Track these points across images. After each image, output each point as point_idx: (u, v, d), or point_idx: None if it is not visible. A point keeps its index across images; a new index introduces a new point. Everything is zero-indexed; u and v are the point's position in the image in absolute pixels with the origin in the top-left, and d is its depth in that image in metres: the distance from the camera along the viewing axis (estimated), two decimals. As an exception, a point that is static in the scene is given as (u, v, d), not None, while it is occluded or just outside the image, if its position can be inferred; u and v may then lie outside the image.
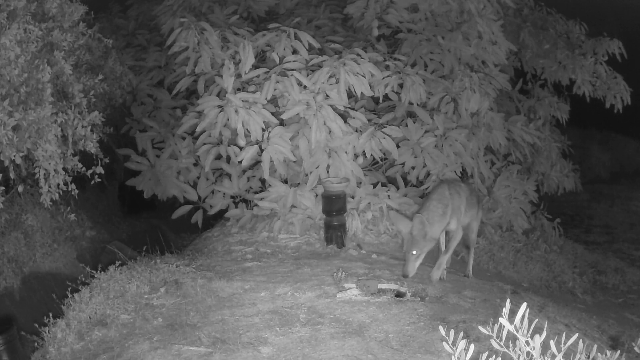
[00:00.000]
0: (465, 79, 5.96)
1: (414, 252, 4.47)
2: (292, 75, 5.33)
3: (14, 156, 4.05)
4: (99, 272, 4.63)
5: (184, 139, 5.86)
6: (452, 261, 5.75)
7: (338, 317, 3.88)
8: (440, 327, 2.22)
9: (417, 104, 5.88)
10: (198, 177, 5.91)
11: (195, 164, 5.90)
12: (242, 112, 5.28)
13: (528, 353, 2.09)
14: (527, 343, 2.08)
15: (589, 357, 2.21)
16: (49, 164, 4.25)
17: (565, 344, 2.11)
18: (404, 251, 4.54)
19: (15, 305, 5.10)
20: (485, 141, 6.28)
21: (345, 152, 5.63)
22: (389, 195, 5.73)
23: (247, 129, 5.36)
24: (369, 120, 5.78)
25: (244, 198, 5.91)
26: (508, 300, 2.21)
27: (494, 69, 6.50)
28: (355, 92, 5.44)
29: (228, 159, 5.71)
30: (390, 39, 6.55)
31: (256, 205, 5.72)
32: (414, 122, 5.96)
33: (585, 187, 8.83)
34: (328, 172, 5.61)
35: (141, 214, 7.64)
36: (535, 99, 7.80)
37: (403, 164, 5.97)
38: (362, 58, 5.49)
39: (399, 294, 4.24)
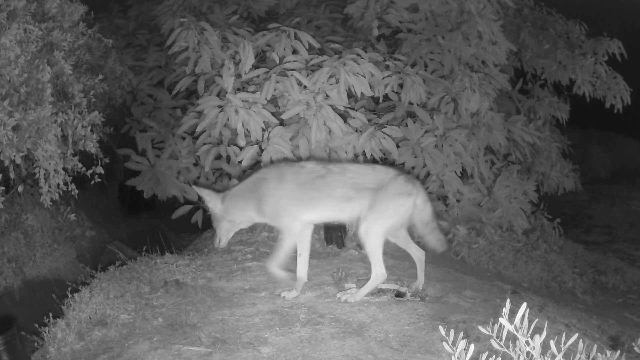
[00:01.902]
0: (465, 79, 5.96)
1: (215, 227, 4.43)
2: (292, 75, 5.33)
3: (14, 156, 4.05)
4: (99, 272, 4.64)
5: (184, 139, 5.86)
6: (452, 260, 5.76)
7: (338, 317, 3.89)
8: (440, 327, 2.22)
9: (417, 104, 5.87)
10: (198, 177, 5.91)
11: (195, 164, 5.90)
12: (242, 112, 5.28)
13: (528, 353, 2.09)
14: (527, 343, 2.09)
15: (589, 357, 2.21)
16: (49, 164, 4.25)
17: (565, 344, 2.11)
18: None
19: (15, 305, 5.10)
20: (485, 141, 6.28)
21: (345, 152, 5.63)
22: (389, 195, 5.71)
23: (247, 129, 5.36)
24: (369, 120, 5.78)
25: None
26: (508, 300, 2.21)
27: (494, 69, 6.50)
28: (355, 92, 5.43)
29: (228, 159, 5.70)
30: (390, 39, 6.55)
31: (256, 205, 5.72)
32: (414, 122, 5.96)
33: (585, 187, 8.82)
34: (328, 172, 5.60)
35: (141, 214, 7.65)
36: (535, 99, 7.79)
37: (403, 164, 5.96)
38: (362, 58, 5.49)
39: (399, 294, 4.24)
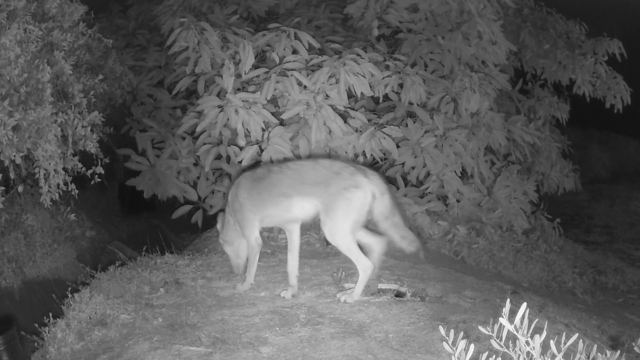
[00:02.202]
0: (465, 79, 5.96)
1: None
2: (292, 75, 5.33)
3: (14, 156, 4.06)
4: (99, 272, 4.64)
5: (184, 139, 5.86)
6: (452, 260, 5.75)
7: (338, 317, 3.88)
8: (440, 327, 2.22)
9: (417, 104, 5.88)
10: (198, 177, 5.91)
11: (195, 164, 5.90)
12: (242, 112, 5.28)
13: (528, 353, 2.09)
14: (527, 343, 2.09)
15: (589, 357, 2.21)
16: (49, 164, 4.26)
17: (565, 344, 2.11)
18: None
19: (15, 305, 5.11)
20: (485, 141, 6.28)
21: (345, 152, 5.63)
22: (389, 195, 5.72)
23: (247, 129, 5.36)
24: (369, 120, 5.78)
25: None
26: (508, 300, 2.21)
27: (494, 69, 6.50)
28: (355, 92, 5.44)
29: (228, 159, 5.71)
30: (390, 39, 6.55)
31: (256, 205, 5.72)
32: (414, 122, 5.96)
33: (585, 187, 8.82)
34: (328, 172, 5.60)
35: (141, 214, 7.65)
36: (535, 99, 7.79)
37: (403, 164, 5.97)
38: (362, 58, 5.49)
39: (399, 294, 4.24)
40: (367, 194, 3.95)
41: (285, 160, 5.00)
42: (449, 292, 4.40)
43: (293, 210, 4.11)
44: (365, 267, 4.01)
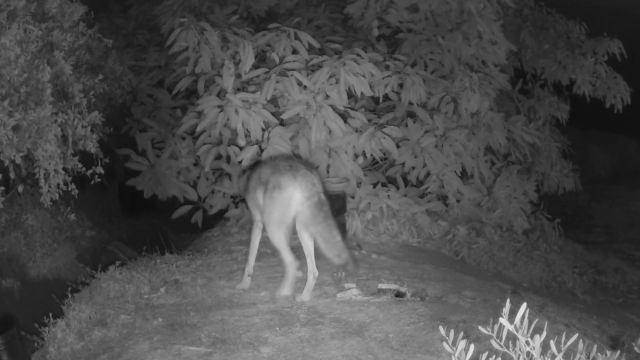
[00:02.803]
0: (465, 79, 5.96)
1: None
2: (292, 75, 5.34)
3: (14, 156, 4.06)
4: (99, 272, 4.63)
5: (184, 139, 5.86)
6: (452, 260, 5.75)
7: (338, 317, 3.88)
8: (440, 327, 2.22)
9: (417, 104, 5.88)
10: (198, 177, 5.91)
11: (195, 164, 5.91)
12: (242, 112, 5.28)
13: (528, 353, 2.09)
14: (527, 343, 2.09)
15: (589, 357, 2.21)
16: (49, 164, 4.26)
17: (565, 344, 2.11)
18: None
19: (15, 305, 5.10)
20: (485, 141, 6.28)
21: (345, 152, 5.63)
22: (389, 195, 5.73)
23: (247, 129, 5.36)
24: (369, 120, 5.78)
25: (244, 198, 5.91)
26: (508, 300, 2.21)
27: (494, 69, 6.50)
28: (355, 92, 5.44)
29: (228, 159, 5.71)
30: (390, 39, 6.55)
31: (256, 205, 5.72)
32: (414, 122, 5.96)
33: (585, 187, 8.82)
34: (328, 172, 5.61)
35: (141, 214, 7.64)
36: (535, 99, 7.80)
37: (403, 164, 5.97)
38: (362, 58, 5.49)
39: (399, 294, 4.24)
40: (289, 195, 4.04)
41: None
42: (449, 292, 4.40)
43: (255, 204, 4.30)
44: (287, 263, 4.18)
